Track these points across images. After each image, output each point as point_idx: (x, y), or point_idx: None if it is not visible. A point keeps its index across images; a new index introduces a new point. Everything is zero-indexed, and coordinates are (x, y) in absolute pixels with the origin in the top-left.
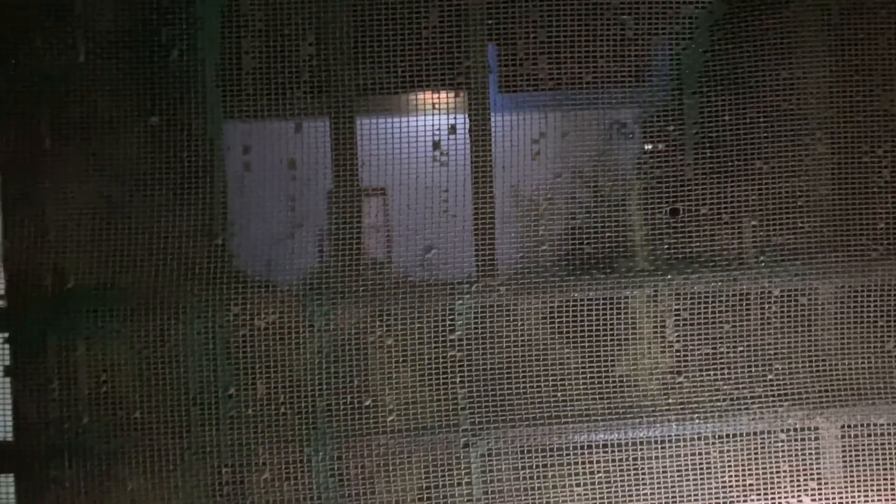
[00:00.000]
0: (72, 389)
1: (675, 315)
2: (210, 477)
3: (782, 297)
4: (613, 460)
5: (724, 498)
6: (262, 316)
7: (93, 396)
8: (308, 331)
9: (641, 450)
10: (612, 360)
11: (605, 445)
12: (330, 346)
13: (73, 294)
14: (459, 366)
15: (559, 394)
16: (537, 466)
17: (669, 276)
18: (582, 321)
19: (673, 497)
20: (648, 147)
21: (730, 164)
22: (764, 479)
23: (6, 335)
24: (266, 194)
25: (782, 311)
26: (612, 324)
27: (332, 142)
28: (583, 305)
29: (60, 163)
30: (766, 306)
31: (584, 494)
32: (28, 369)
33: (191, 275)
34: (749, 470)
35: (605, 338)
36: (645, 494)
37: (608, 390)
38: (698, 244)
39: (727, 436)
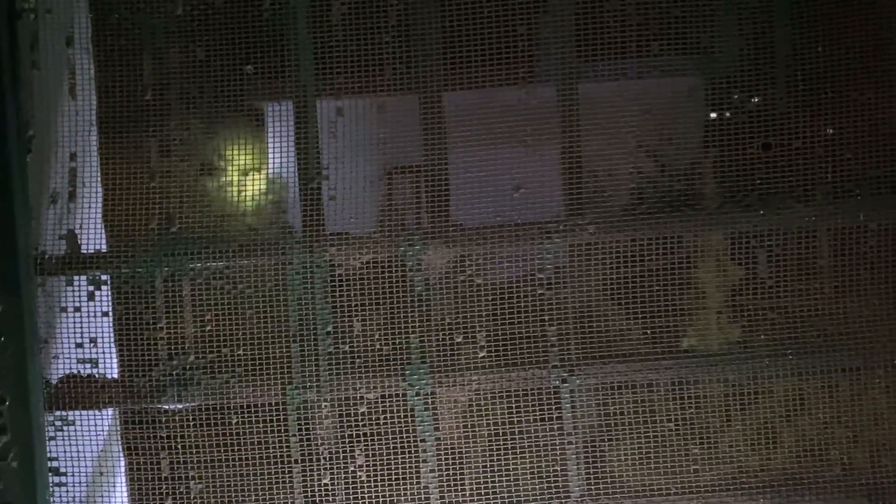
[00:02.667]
0: (178, 329)
1: (768, 251)
2: (310, 410)
3: (880, 231)
4: (705, 396)
5: (820, 435)
6: (357, 256)
7: (198, 335)
8: (401, 270)
9: (733, 386)
10: (703, 297)
11: (696, 382)
12: (422, 285)
13: (179, 237)
14: (549, 304)
15: (649, 331)
16: (628, 402)
17: (762, 212)
18: (673, 258)
19: (768, 433)
20: (755, 100)
21: (823, 96)
22: (862, 416)
23: (108, 278)
24: (358, 138)
25: (879, 246)
26: (703, 260)
27: (421, 84)
28: (673, 243)
29: (162, 113)
30: (863, 241)
31: (677, 431)
32: (136, 310)
33: (289, 217)
34: (847, 406)
35: (695, 274)
36: (738, 430)
37: (699, 327)
38: (792, 178)
39: (823, 372)
